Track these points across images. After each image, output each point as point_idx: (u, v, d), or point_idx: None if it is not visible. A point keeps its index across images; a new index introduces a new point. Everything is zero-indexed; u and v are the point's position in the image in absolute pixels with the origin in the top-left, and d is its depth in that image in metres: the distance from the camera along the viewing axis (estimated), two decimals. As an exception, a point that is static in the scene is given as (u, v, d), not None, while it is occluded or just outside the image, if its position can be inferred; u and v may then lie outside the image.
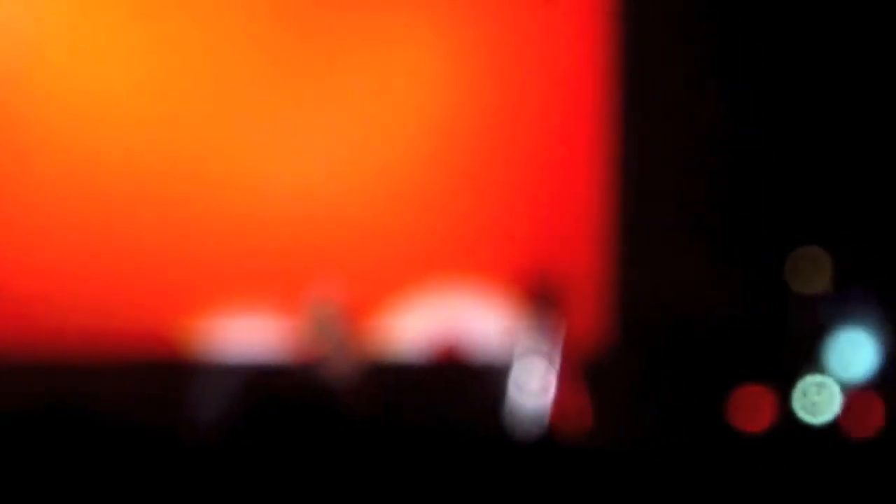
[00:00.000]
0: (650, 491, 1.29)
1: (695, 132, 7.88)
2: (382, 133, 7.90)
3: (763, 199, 7.90)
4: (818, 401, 7.29)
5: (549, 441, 1.30)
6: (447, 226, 7.88)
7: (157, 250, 7.42)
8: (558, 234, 8.05)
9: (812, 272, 7.76)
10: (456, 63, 8.00)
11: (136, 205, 7.41)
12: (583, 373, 6.82)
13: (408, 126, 7.91)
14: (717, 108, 7.90)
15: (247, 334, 7.48)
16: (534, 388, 6.48)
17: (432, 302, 7.76)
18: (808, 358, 7.40)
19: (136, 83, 7.48)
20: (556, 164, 8.12)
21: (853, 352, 7.50)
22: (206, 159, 7.58)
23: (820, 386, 7.39)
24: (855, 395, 6.60)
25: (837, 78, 7.87)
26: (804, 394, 7.25)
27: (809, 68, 7.85)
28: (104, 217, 7.35)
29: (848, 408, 6.26)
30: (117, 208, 7.37)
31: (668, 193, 7.80)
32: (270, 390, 1.32)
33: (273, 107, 7.73)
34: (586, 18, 8.18)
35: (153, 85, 7.51)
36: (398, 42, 7.99)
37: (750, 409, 6.23)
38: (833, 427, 5.98)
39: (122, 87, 7.46)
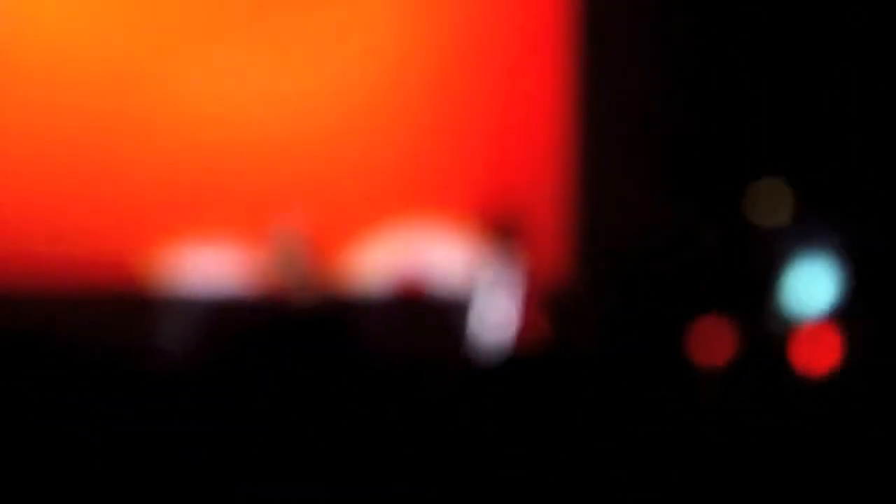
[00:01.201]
0: (612, 407, 1.32)
1: (654, 66, 7.90)
2: (346, 69, 7.90)
3: (722, 132, 7.93)
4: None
5: (513, 364, 1.32)
6: (409, 161, 7.90)
7: (121, 181, 7.42)
8: (520, 167, 8.09)
9: (772, 204, 7.81)
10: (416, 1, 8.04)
11: (99, 136, 7.41)
12: (544, 304, 6.87)
13: (369, 63, 7.91)
14: (675, 39, 7.92)
15: (210, 265, 7.51)
16: (495, 319, 6.53)
17: (395, 236, 7.79)
18: (766, 290, 7.47)
19: (101, 20, 7.47)
20: (517, 99, 8.14)
21: (812, 284, 7.58)
22: (172, 91, 7.57)
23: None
24: (813, 328, 6.66)
25: (794, 12, 7.89)
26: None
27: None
28: (68, 147, 7.34)
29: (805, 341, 6.31)
30: (81, 139, 7.37)
31: (628, 127, 7.84)
32: (238, 324, 1.34)
33: (238, 40, 7.71)
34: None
35: (116, 20, 7.51)
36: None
37: (709, 342, 6.29)
38: (789, 360, 6.03)
39: (88, 23, 7.45)
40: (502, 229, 6.62)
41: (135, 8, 7.61)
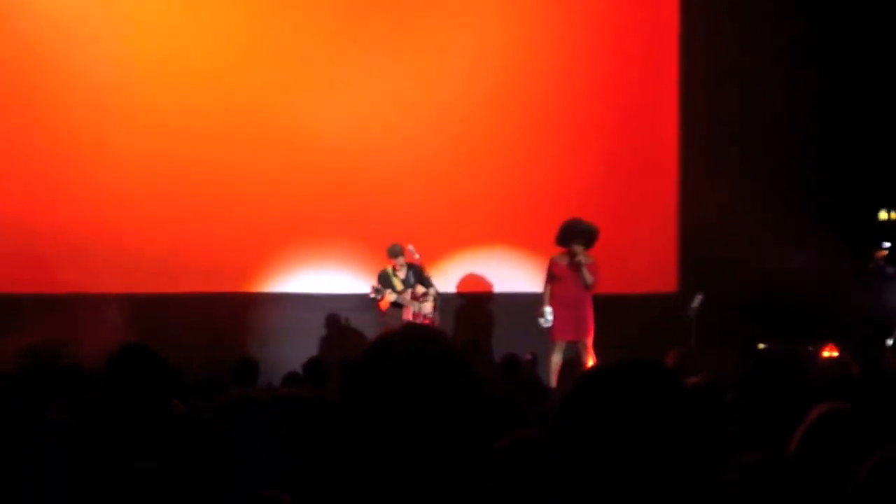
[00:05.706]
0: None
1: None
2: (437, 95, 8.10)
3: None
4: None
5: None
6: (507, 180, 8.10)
7: (237, 199, 7.73)
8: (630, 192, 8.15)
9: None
10: (519, 31, 8.19)
11: (215, 159, 7.74)
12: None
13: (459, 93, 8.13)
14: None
15: (322, 272, 7.77)
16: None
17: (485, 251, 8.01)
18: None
19: (207, 54, 7.78)
20: (627, 120, 8.25)
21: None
22: (287, 119, 7.86)
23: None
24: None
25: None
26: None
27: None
28: (188, 174, 7.69)
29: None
30: (200, 164, 7.71)
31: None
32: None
33: (344, 71, 7.97)
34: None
35: (216, 53, 7.83)
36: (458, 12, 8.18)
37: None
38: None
39: (190, 56, 7.77)
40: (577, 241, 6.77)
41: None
